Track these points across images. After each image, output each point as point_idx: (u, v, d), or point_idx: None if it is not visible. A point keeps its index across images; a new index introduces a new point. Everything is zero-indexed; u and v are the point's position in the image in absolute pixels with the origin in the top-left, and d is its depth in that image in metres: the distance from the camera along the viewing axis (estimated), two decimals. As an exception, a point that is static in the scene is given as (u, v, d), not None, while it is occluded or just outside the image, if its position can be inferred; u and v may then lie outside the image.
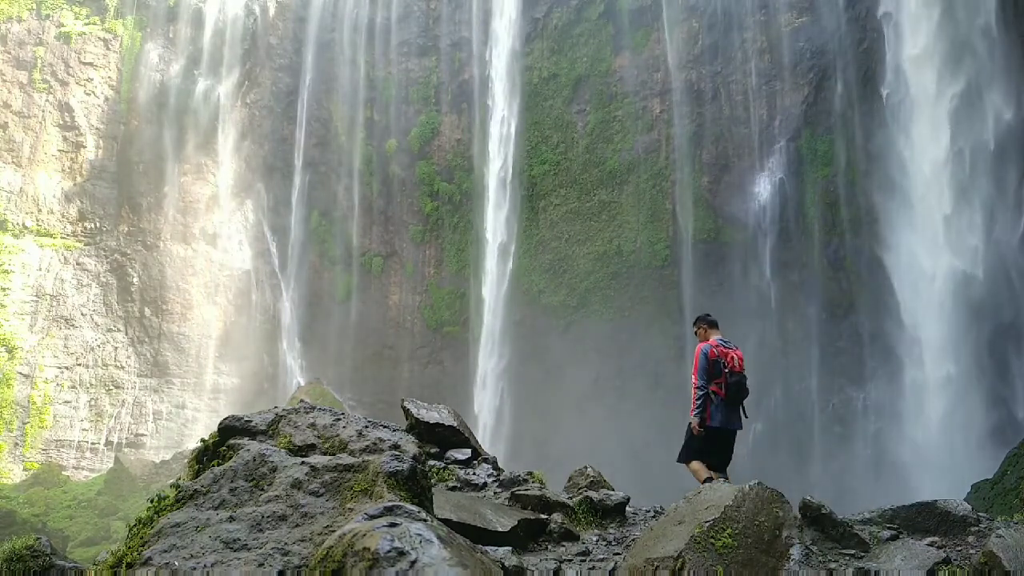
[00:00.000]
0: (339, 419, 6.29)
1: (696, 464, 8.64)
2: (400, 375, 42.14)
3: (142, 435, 40.07)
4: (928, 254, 30.59)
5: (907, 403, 30.29)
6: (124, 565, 4.31)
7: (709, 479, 8.04)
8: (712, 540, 4.83)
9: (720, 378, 8.67)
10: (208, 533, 4.26)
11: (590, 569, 5.47)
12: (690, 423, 8.83)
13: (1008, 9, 29.51)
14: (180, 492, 4.78)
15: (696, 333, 9.26)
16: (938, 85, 30.92)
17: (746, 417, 8.90)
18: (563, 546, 5.92)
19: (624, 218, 40.09)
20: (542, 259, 41.43)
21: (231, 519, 4.37)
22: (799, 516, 5.62)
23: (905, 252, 31.43)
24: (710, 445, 8.75)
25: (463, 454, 7.67)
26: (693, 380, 8.82)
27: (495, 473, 7.39)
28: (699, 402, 8.70)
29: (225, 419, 6.16)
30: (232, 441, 5.75)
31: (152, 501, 4.98)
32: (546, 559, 5.61)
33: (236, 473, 4.84)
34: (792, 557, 5.07)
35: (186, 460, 6.48)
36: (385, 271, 44.31)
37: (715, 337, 8.99)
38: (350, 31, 45.49)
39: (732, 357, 8.74)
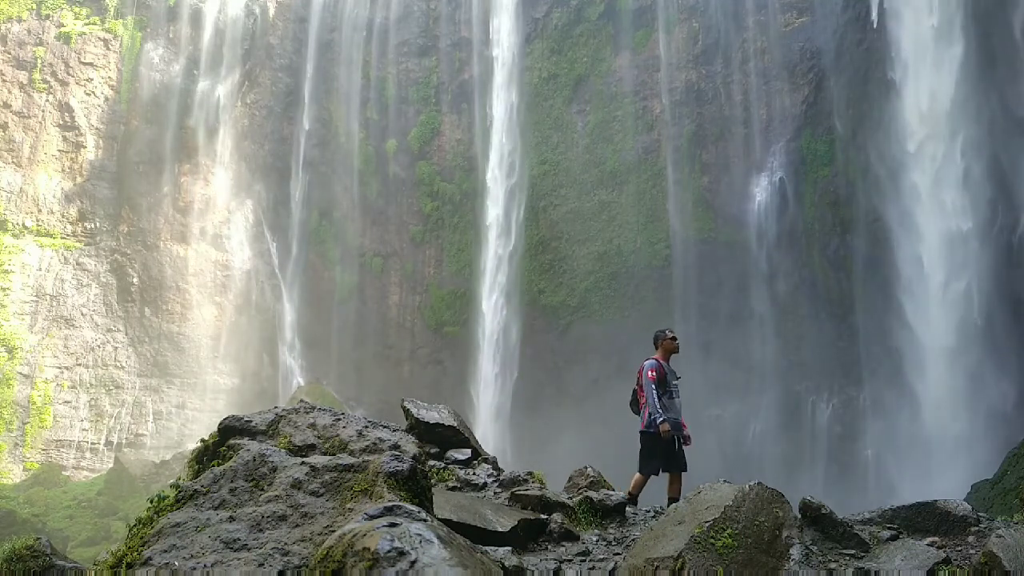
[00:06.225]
0: (339, 419, 6.29)
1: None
2: (400, 375, 42.10)
3: (142, 435, 40.05)
4: (928, 253, 30.58)
5: (907, 403, 30.26)
6: (124, 565, 4.31)
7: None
8: (712, 540, 4.82)
9: None
10: (208, 533, 4.25)
11: (590, 569, 5.47)
12: None
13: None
14: (180, 492, 4.78)
15: None
16: (938, 84, 30.91)
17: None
18: (563, 546, 5.91)
19: (624, 218, 40.06)
20: (542, 259, 41.39)
21: (231, 519, 4.37)
22: (799, 516, 5.62)
23: (905, 252, 31.41)
24: None
25: (463, 454, 7.66)
26: None
27: (495, 473, 7.39)
28: None
29: (225, 419, 6.17)
30: (232, 441, 5.75)
31: (152, 501, 4.98)
32: (546, 559, 5.60)
33: (236, 473, 4.84)
34: (792, 557, 5.07)
35: (186, 460, 6.48)
36: (385, 271, 44.27)
37: None
38: (350, 31, 45.44)
39: None
